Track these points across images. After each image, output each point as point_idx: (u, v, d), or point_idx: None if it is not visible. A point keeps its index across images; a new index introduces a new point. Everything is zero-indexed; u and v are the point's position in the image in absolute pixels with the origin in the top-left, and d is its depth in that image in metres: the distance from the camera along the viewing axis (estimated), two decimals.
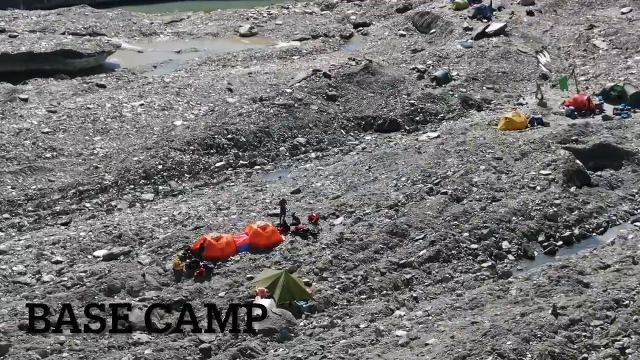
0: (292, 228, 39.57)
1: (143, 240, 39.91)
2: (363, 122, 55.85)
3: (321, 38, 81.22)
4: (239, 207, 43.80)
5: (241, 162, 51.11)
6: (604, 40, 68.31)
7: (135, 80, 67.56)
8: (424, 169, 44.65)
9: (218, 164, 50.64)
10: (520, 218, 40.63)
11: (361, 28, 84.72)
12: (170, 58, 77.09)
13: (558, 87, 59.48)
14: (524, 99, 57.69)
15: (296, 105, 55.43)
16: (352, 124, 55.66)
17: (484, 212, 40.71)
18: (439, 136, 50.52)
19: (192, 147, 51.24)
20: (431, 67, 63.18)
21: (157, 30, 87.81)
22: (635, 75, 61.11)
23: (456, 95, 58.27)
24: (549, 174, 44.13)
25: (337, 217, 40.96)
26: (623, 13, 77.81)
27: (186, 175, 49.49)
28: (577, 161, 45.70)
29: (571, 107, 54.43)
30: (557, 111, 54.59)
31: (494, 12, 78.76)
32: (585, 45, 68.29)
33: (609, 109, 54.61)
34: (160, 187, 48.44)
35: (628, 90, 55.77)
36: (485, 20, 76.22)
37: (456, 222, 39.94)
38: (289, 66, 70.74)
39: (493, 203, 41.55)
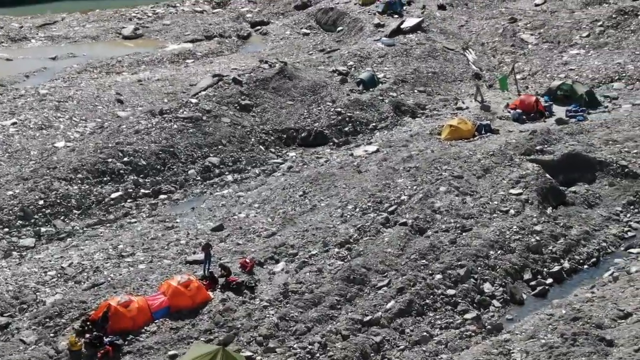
0: (222, 281, 30.76)
1: (25, 306, 30.46)
2: (284, 136, 47.13)
3: (216, 39, 71.69)
4: (147, 253, 34.56)
5: (142, 191, 41.40)
6: (532, 34, 61.62)
7: (4, 94, 54.95)
8: (372, 194, 36.48)
9: (114, 195, 40.71)
10: (499, 252, 32.99)
11: (259, 27, 75.65)
12: (44, 66, 65.18)
13: (496, 88, 52.26)
14: (463, 102, 50.29)
15: (204, 118, 46.02)
16: (272, 138, 46.80)
17: (455, 246, 32.93)
18: (378, 150, 42.38)
19: (80, 175, 41.11)
20: (353, 68, 54.88)
21: (27, 34, 75.41)
22: (576, 71, 54.57)
23: (387, 101, 50.13)
24: (521, 194, 36.81)
25: (277, 261, 32.38)
26: (537, 5, 71.57)
27: (75, 211, 39.40)
28: (549, 176, 38.38)
29: (518, 111, 47.18)
30: (503, 115, 47.37)
31: (404, 7, 71.15)
32: (513, 40, 61.44)
33: (558, 110, 47.70)
34: (43, 229, 38.04)
35: (577, 88, 48.87)
36: (397, 16, 68.57)
37: (424, 260, 32.08)
38: (183, 71, 61.30)
39: (464, 234, 33.77)
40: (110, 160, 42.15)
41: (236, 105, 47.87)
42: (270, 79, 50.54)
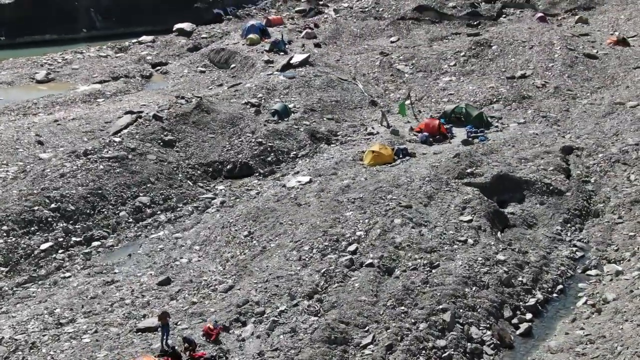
0: (186, 357, 19.48)
1: None
2: (210, 169, 34.93)
3: (122, 79, 58.27)
4: (89, 319, 22.39)
5: (74, 239, 28.56)
6: (406, 65, 52.25)
7: None
8: (324, 230, 25.60)
9: (44, 246, 27.78)
10: (474, 289, 23.00)
11: (159, 67, 62.92)
12: None
13: (394, 113, 42.44)
14: (373, 128, 39.82)
15: (130, 156, 33.21)
16: (199, 172, 34.51)
17: (429, 286, 22.75)
18: (311, 180, 31.43)
19: (5, 227, 27.87)
20: (263, 100, 43.21)
21: None
22: (455, 95, 45.59)
23: (302, 129, 38.91)
24: (471, 220, 26.95)
25: (244, 324, 21.04)
26: (392, 42, 62.53)
27: (2, 269, 26.39)
28: (490, 200, 28.84)
29: (425, 134, 37.49)
30: (411, 139, 37.52)
31: (287, 45, 60.45)
32: (390, 70, 51.82)
33: (457, 132, 38.41)
34: None
35: (471, 111, 39.71)
36: (282, 53, 57.85)
37: (402, 307, 21.81)
38: (96, 110, 48.24)
39: (433, 271, 23.57)
40: (37, 208, 29.04)
41: (159, 141, 35.29)
42: (190, 113, 37.99)
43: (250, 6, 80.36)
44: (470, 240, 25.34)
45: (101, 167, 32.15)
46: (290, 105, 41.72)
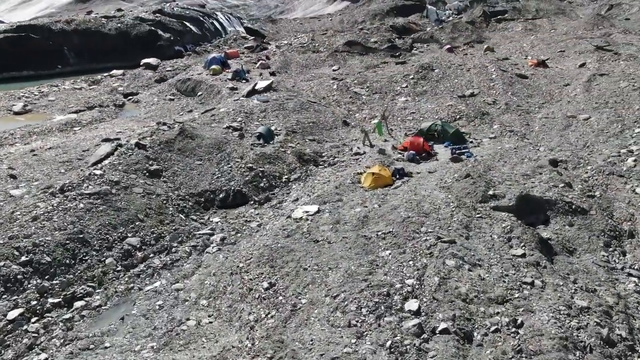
0: None
1: None
2: (202, 199, 23.51)
3: (97, 108, 45.56)
4: None
5: (51, 300, 16.74)
6: (361, 88, 42.51)
7: None
8: (366, 279, 15.41)
9: (12, 315, 15.97)
10: (577, 354, 13.37)
11: (131, 97, 50.76)
12: None
13: (370, 132, 32.68)
14: (359, 148, 29.31)
15: (114, 191, 21.51)
16: (190, 203, 23.08)
17: (525, 357, 13.07)
18: (319, 210, 21.09)
19: None
20: (244, 123, 31.55)
21: None
22: (417, 113, 36.23)
23: (289, 152, 27.88)
24: (525, 254, 17.27)
25: None
26: (334, 70, 53.08)
27: None
28: (532, 228, 19.51)
29: (412, 152, 27.90)
30: (399, 157, 27.93)
31: (247, 74, 49.74)
32: (348, 93, 41.91)
33: (437, 149, 29.10)
34: None
35: (447, 128, 30.44)
36: (244, 81, 47.20)
37: None
38: (73, 138, 36.10)
39: (520, 332, 13.76)
40: (2, 264, 17.33)
41: (145, 171, 23.60)
42: (174, 140, 26.44)
43: (206, 44, 68.86)
44: (537, 282, 15.77)
45: (81, 205, 20.44)
46: (272, 127, 30.97)
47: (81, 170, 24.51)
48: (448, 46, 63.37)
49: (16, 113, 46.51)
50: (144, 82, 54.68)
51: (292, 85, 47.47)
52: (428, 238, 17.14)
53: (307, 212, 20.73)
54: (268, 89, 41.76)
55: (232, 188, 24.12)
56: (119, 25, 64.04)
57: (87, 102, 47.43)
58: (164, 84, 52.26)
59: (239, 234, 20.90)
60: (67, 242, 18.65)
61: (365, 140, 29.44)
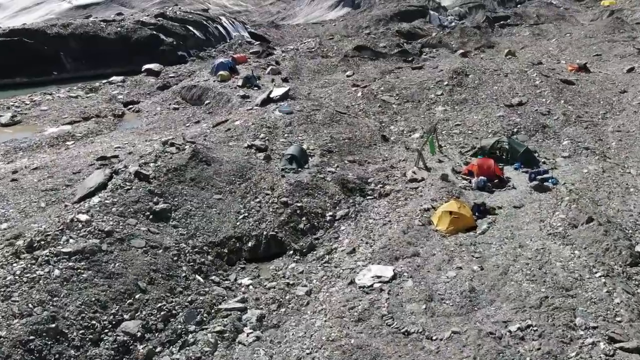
0: None
1: None
2: (225, 250, 15.93)
3: (93, 119, 37.58)
4: None
5: None
6: (390, 96, 35.19)
7: None
8: None
9: None
10: None
11: (131, 106, 43.09)
12: None
13: (412, 149, 25.36)
14: (414, 173, 21.30)
15: (105, 247, 13.79)
16: (210, 257, 15.43)
17: None
18: (395, 275, 13.55)
19: None
20: (267, 141, 23.91)
21: None
22: (462, 126, 28.89)
23: (329, 179, 20.24)
24: None
25: None
26: (348, 76, 46.00)
27: None
28: None
29: (482, 178, 20.66)
30: (466, 185, 20.73)
31: (258, 80, 42.33)
32: (377, 101, 34.57)
33: (508, 172, 21.87)
34: None
35: (516, 146, 23.13)
36: (256, 88, 39.78)
37: None
38: (64, 154, 28.58)
39: None
40: None
41: (148, 214, 15.94)
42: (184, 166, 18.65)
43: (211, 49, 61.13)
44: None
45: (56, 272, 12.83)
46: (304, 146, 23.18)
47: (65, 206, 17.15)
48: (461, 51, 56.52)
49: (4, 125, 38.55)
50: (145, 89, 46.93)
51: (308, 93, 40.15)
52: (595, 341, 10.04)
53: (378, 277, 13.48)
54: (285, 97, 34.37)
55: (264, 233, 16.78)
56: (118, 29, 56.14)
57: (83, 112, 39.62)
58: (167, 91, 44.56)
59: (282, 309, 13.58)
60: (31, 338, 11.31)
61: (419, 161, 22.27)
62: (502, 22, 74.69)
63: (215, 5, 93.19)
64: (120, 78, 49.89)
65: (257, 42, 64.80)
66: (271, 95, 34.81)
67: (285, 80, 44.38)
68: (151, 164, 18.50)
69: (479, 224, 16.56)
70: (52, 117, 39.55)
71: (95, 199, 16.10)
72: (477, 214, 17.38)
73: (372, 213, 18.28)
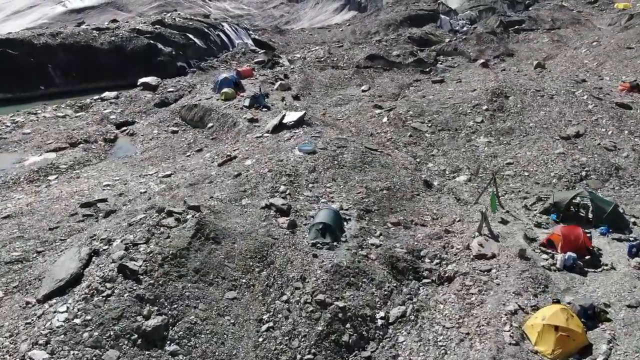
0: None
1: None
2: None
3: (81, 145, 32.34)
4: None
5: None
6: (421, 122, 30.21)
7: None
8: None
9: None
10: None
11: (125, 128, 37.95)
12: None
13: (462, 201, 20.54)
14: (481, 245, 16.03)
15: None
16: None
17: None
18: None
19: None
20: (289, 196, 18.62)
21: None
22: (516, 166, 23.95)
23: (374, 257, 15.15)
24: None
25: None
26: (364, 91, 41.59)
27: None
28: None
29: (571, 255, 15.61)
30: (550, 264, 15.88)
31: (266, 99, 37.40)
32: (406, 129, 29.55)
33: (595, 239, 17.03)
34: None
35: (602, 203, 18.11)
36: (265, 109, 34.80)
37: None
38: (44, 195, 23.70)
39: None
40: None
41: (135, 336, 10.83)
42: (187, 250, 13.49)
43: (213, 59, 56.04)
44: None
45: None
46: (335, 206, 18.03)
47: (26, 304, 12.28)
48: (481, 61, 51.99)
49: None
50: (141, 106, 41.95)
51: (323, 113, 35.38)
52: None
53: None
54: (300, 123, 29.52)
55: (298, 356, 11.92)
56: (112, 38, 51.00)
57: (71, 137, 34.62)
58: (166, 110, 39.53)
59: None
60: None
61: (483, 226, 17.44)
62: (516, 27, 70.05)
63: (216, 9, 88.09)
64: (113, 94, 44.86)
65: (262, 51, 59.75)
66: (284, 121, 30.02)
67: (296, 97, 39.47)
68: (142, 248, 13.50)
69: (593, 342, 11.80)
70: (35, 142, 34.54)
71: (61, 315, 11.16)
72: (583, 319, 12.64)
73: (438, 313, 13.41)
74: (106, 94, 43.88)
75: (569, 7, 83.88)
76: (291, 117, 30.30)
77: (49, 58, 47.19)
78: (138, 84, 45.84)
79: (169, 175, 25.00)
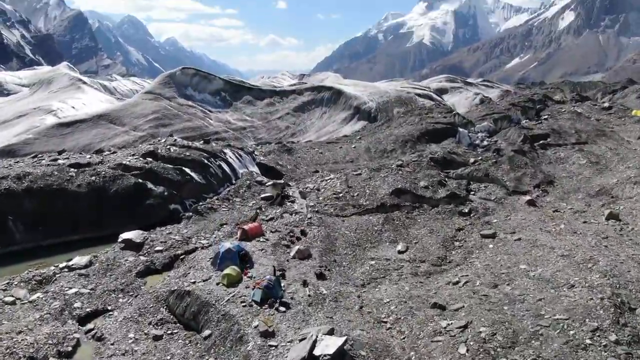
0: None
1: None
2: None
3: None
4: None
5: None
6: (522, 356, 20.22)
7: None
8: None
9: None
10: None
11: (92, 326, 27.59)
12: None
13: None
14: None
15: None
16: None
17: None
18: None
19: None
20: None
21: None
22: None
23: None
24: None
25: None
26: (400, 252, 33.06)
27: None
28: None
29: None
30: None
31: (284, 288, 27.36)
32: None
33: None
34: None
35: None
36: (284, 309, 24.81)
37: None
38: None
39: None
40: None
41: None
42: None
43: (212, 196, 46.98)
44: None
45: None
46: None
47: None
48: (527, 198, 43.57)
49: None
50: (119, 280, 31.69)
51: (359, 307, 25.44)
52: None
53: None
54: (340, 355, 19.56)
55: None
56: (92, 178, 41.96)
57: (11, 349, 24.23)
58: (148, 296, 29.18)
59: None
60: None
61: None
62: (541, 142, 62.88)
63: (217, 121, 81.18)
64: (85, 259, 34.68)
65: (269, 182, 51.10)
66: (315, 352, 19.90)
67: (320, 276, 29.45)
68: None
69: None
70: None
71: None
72: None
73: None
74: (75, 260, 33.83)
75: (585, 113, 77.84)
76: (326, 345, 20.23)
77: (11, 207, 37.78)
78: (119, 241, 36.23)
79: None
